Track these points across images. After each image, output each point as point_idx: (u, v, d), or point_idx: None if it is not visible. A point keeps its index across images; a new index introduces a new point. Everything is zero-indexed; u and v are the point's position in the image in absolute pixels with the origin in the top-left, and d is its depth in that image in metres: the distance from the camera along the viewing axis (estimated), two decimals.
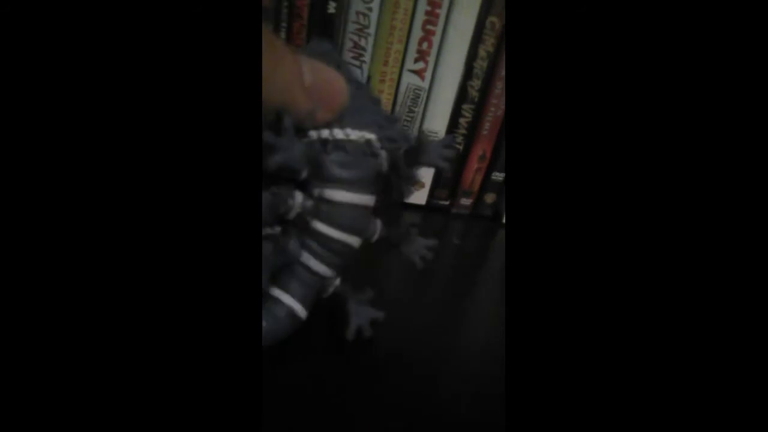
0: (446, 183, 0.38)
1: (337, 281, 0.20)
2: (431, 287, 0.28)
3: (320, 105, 0.16)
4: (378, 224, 0.19)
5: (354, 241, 0.18)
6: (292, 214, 0.17)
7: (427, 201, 0.39)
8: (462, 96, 0.35)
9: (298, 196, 0.17)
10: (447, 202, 0.39)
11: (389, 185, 0.18)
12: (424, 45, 0.32)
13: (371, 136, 0.17)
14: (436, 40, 0.32)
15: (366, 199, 0.17)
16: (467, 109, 0.35)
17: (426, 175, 0.38)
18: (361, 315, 0.20)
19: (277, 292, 0.17)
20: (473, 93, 0.34)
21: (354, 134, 0.17)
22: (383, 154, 0.18)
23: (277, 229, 0.17)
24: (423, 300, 0.27)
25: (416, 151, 0.17)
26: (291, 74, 0.16)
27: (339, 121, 0.17)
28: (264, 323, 0.17)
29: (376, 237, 0.19)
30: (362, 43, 0.32)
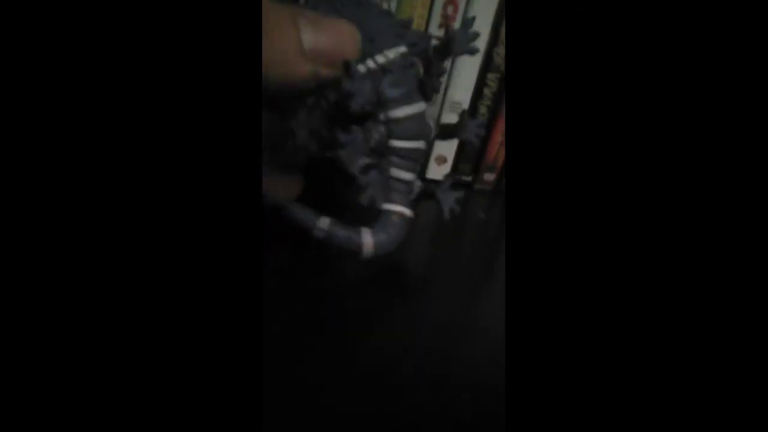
0: (469, 157, 0.37)
1: (418, 183, 0.22)
2: (457, 258, 0.28)
3: (324, 64, 0.17)
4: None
5: (422, 145, 0.20)
6: (373, 143, 0.20)
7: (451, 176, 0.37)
8: (487, 64, 0.33)
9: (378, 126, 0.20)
10: (470, 178, 0.38)
11: (425, 85, 0.20)
12: (449, 9, 0.31)
13: (403, 49, 0.19)
14: (461, 3, 0.31)
15: (420, 106, 0.20)
16: (492, 79, 0.34)
17: (449, 150, 0.37)
18: (448, 199, 0.23)
19: (386, 206, 0.21)
20: (499, 61, 0.33)
21: (391, 53, 0.19)
22: (417, 60, 0.20)
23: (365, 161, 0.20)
24: (449, 270, 0.26)
25: (444, 46, 0.20)
26: (287, 42, 0.16)
27: (372, 46, 0.18)
28: (385, 234, 0.20)
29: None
30: (385, 6, 0.30)
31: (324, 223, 0.20)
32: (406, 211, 0.21)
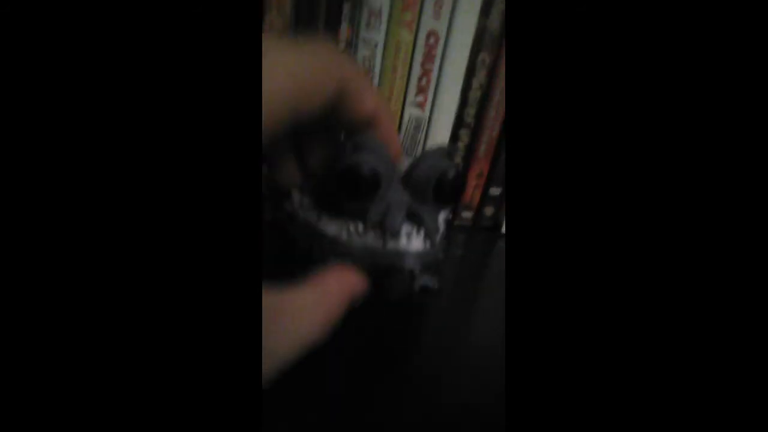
0: None
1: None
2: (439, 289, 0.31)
3: (302, 99, 0.14)
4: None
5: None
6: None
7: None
8: (459, 122, 0.38)
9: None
10: (449, 217, 0.43)
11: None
12: (423, 81, 0.36)
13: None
14: (433, 76, 0.36)
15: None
16: (464, 134, 0.39)
17: None
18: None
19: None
20: (469, 119, 0.38)
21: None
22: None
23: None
24: (429, 304, 0.29)
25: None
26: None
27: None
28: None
29: None
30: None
31: None
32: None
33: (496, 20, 0.34)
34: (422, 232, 0.21)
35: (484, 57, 0.35)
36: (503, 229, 0.43)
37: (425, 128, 0.38)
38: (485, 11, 0.34)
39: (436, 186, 0.21)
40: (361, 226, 0.20)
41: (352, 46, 0.34)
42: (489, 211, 0.43)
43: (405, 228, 0.21)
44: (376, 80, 0.35)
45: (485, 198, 0.42)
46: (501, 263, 0.38)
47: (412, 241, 0.21)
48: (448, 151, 0.22)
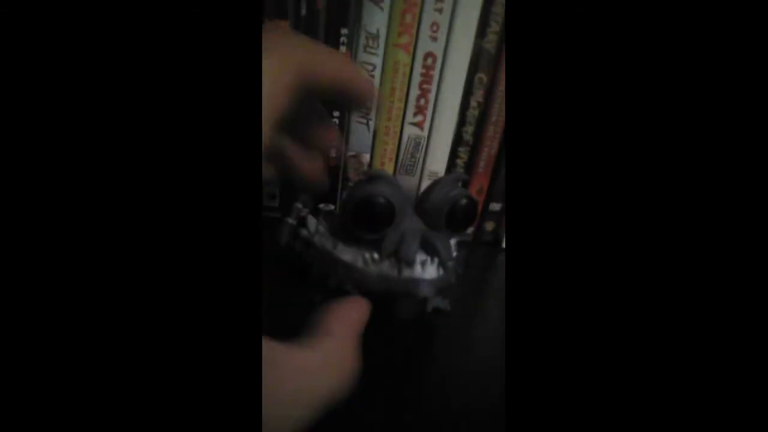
0: None
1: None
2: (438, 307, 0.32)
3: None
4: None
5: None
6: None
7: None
8: (458, 140, 0.39)
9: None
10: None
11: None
12: (422, 101, 0.36)
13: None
14: (431, 95, 0.36)
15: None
16: (463, 152, 0.39)
17: None
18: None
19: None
20: (467, 137, 0.39)
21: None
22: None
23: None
24: (439, 324, 0.29)
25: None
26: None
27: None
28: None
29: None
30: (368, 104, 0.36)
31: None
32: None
33: (491, 41, 0.35)
34: (436, 260, 0.21)
35: (481, 76, 0.36)
36: (504, 244, 0.44)
37: (424, 147, 0.38)
38: (481, 32, 0.34)
39: (448, 214, 0.21)
40: (376, 255, 0.21)
41: None
42: (489, 226, 0.43)
43: (419, 256, 0.21)
44: (374, 101, 0.36)
45: (485, 213, 0.43)
46: (502, 278, 0.39)
47: (427, 269, 0.21)
48: (461, 179, 0.23)
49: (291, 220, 0.25)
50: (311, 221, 0.24)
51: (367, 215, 0.20)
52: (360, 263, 0.21)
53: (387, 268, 0.21)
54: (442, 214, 0.21)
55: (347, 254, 0.21)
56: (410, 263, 0.21)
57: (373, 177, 0.20)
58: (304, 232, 0.24)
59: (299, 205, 0.24)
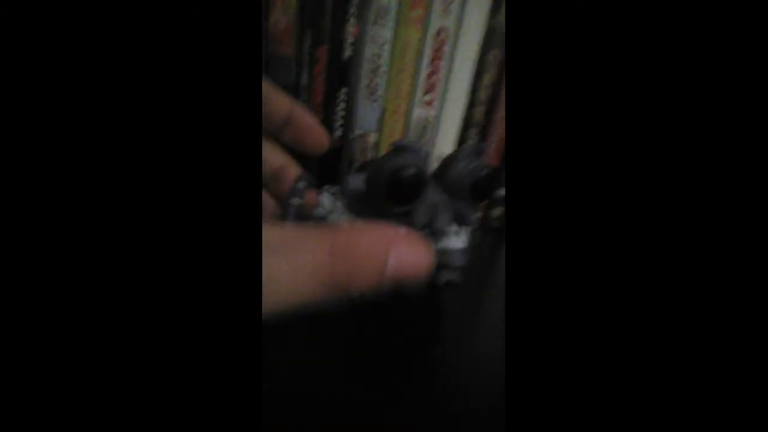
0: None
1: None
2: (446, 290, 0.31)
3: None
4: None
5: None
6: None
7: None
8: (468, 122, 0.38)
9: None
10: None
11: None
12: (432, 79, 0.35)
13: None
14: (442, 74, 0.35)
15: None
16: (473, 133, 0.38)
17: None
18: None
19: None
20: (478, 118, 0.37)
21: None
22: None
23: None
24: (448, 298, 0.30)
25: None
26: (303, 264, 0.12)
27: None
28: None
29: None
30: (376, 81, 0.34)
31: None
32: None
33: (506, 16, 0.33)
34: (464, 230, 0.22)
35: (495, 54, 0.35)
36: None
37: (434, 127, 0.37)
38: (495, 8, 0.33)
39: (473, 184, 0.21)
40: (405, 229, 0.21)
41: (359, 43, 0.33)
42: (497, 212, 0.42)
43: (452, 227, 0.22)
44: (383, 78, 0.34)
45: (493, 198, 0.41)
46: None
47: (459, 239, 0.22)
48: (480, 150, 0.23)
49: (296, 200, 0.24)
50: (326, 198, 0.23)
51: (401, 187, 0.19)
52: None
53: None
54: (467, 184, 0.21)
55: None
56: (444, 234, 0.21)
57: (400, 148, 0.19)
58: (320, 210, 0.23)
59: (302, 185, 0.23)
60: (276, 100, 0.21)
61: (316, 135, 0.23)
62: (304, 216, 0.24)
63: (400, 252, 0.12)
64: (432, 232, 0.21)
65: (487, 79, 0.36)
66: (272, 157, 0.23)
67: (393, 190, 0.19)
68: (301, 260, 0.12)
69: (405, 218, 0.20)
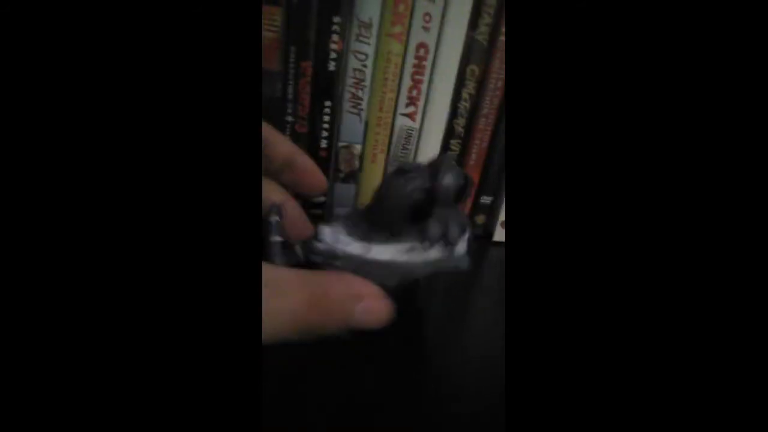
0: None
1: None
2: (434, 298, 0.32)
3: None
4: None
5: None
6: None
7: None
8: (449, 133, 0.39)
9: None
10: None
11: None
12: (414, 92, 0.36)
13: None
14: (423, 87, 0.36)
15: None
16: (455, 144, 0.39)
17: None
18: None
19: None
20: (459, 129, 0.39)
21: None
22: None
23: None
24: (425, 310, 0.30)
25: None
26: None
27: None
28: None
29: None
30: (360, 94, 0.35)
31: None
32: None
33: (483, 32, 0.35)
34: (466, 235, 0.24)
35: (473, 68, 0.36)
36: (495, 237, 0.44)
37: (416, 139, 0.38)
38: (473, 24, 0.35)
39: (457, 192, 0.23)
40: (419, 245, 0.22)
41: (342, 58, 0.34)
42: (480, 219, 0.44)
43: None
44: (367, 91, 0.36)
45: (477, 206, 0.43)
46: (493, 271, 0.39)
47: (463, 244, 0.24)
48: (457, 160, 0.26)
49: (275, 238, 0.23)
50: (325, 231, 0.23)
51: (420, 209, 0.21)
52: (404, 257, 0.22)
53: (435, 253, 0.22)
54: (452, 192, 0.22)
55: (385, 253, 0.22)
56: (456, 243, 0.22)
57: (404, 170, 0.21)
58: (319, 246, 0.23)
59: (274, 219, 0.23)
60: (277, 143, 0.22)
61: (314, 178, 0.24)
62: (286, 235, 0.23)
63: (366, 305, 0.15)
64: (446, 242, 0.22)
65: (466, 92, 0.37)
66: (272, 195, 0.24)
67: (413, 213, 0.21)
68: (279, 305, 0.14)
69: (420, 234, 0.21)
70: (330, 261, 0.22)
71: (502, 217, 0.42)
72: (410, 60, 0.35)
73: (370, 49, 0.34)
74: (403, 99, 0.37)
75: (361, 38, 0.34)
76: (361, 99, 0.36)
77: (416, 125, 0.38)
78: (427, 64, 0.35)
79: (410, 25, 0.34)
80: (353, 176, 0.39)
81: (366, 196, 0.36)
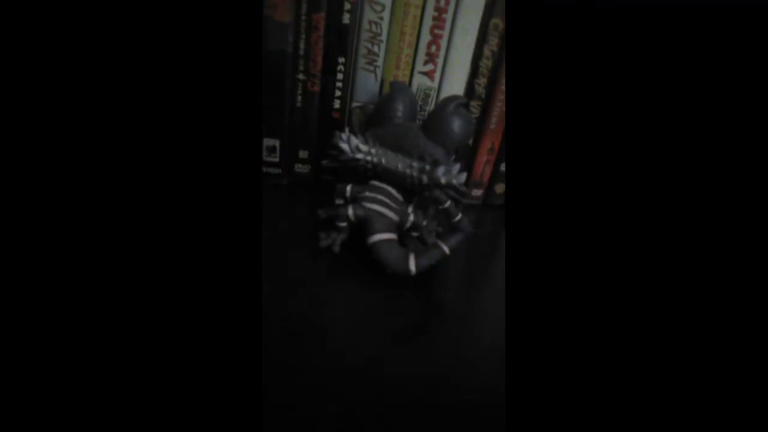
0: None
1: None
2: (450, 268, 0.31)
3: None
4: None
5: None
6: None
7: None
8: (469, 93, 0.37)
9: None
10: None
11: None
12: (433, 48, 0.34)
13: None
14: (443, 42, 0.34)
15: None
16: (475, 106, 0.37)
17: None
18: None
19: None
20: (480, 90, 0.37)
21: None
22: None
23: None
24: (442, 281, 0.29)
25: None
26: None
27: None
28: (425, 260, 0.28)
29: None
30: (375, 49, 0.33)
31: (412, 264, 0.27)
32: (445, 248, 0.28)
33: None
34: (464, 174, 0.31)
35: (497, 22, 0.34)
36: None
37: (434, 100, 0.36)
38: None
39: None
40: (415, 163, 0.30)
41: (357, 8, 0.32)
42: (500, 188, 0.42)
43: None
44: (382, 47, 0.33)
45: (496, 174, 0.41)
46: None
47: (462, 176, 0.30)
48: (466, 104, 0.30)
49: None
50: (343, 137, 0.31)
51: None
52: (408, 170, 0.30)
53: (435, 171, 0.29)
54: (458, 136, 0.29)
55: (395, 161, 0.31)
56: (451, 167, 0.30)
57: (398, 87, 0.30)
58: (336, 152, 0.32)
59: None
60: None
61: None
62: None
63: None
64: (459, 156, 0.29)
65: (489, 48, 0.35)
66: None
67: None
68: None
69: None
70: (348, 164, 0.29)
71: None
72: (429, 12, 0.33)
73: (386, 1, 0.32)
74: (421, 56, 0.34)
75: None
76: (377, 55, 0.34)
77: (435, 84, 0.36)
78: (448, 17, 0.33)
79: None
80: None
81: None
